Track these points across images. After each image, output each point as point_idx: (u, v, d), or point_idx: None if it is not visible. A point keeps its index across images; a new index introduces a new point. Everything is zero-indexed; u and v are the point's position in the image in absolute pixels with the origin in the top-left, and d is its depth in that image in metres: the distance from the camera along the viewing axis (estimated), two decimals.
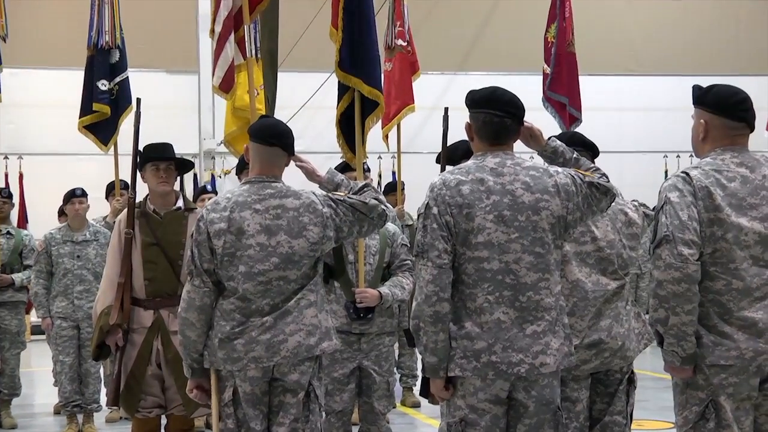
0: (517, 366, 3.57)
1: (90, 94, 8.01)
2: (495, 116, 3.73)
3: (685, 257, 3.52)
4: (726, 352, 3.59)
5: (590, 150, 4.49)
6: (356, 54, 5.73)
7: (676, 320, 3.56)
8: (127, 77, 8.12)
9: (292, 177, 4.42)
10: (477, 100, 3.78)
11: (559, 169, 3.77)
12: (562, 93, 9.18)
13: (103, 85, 7.88)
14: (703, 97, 3.77)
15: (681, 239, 3.53)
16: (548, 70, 9.32)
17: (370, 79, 5.71)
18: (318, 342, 4.17)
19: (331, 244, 4.27)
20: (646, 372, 9.46)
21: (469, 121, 3.81)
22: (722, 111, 3.73)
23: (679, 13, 18.06)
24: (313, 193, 4.29)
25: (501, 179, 3.66)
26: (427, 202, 3.68)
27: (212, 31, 6.19)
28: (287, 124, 4.54)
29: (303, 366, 4.17)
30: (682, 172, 3.70)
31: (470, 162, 3.76)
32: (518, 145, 3.89)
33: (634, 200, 4.63)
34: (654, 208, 3.74)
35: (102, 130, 8.04)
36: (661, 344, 3.67)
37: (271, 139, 4.31)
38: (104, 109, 7.87)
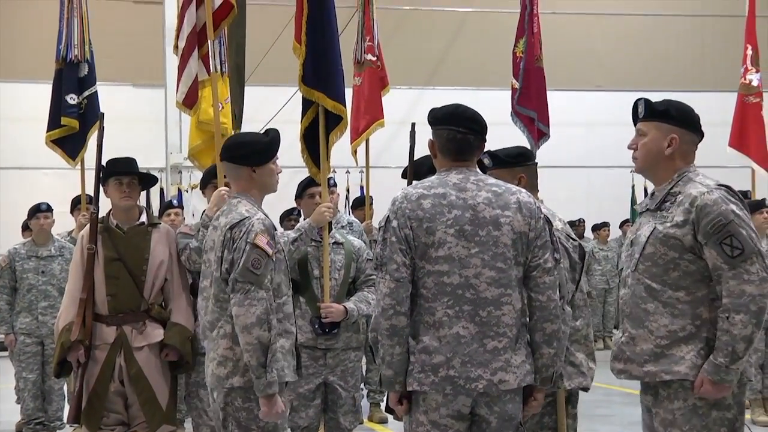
0: (475, 381, 3.55)
1: (58, 108, 7.94)
2: (458, 133, 3.73)
3: None
4: (750, 367, 3.58)
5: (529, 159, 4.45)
6: (319, 68, 5.71)
7: (758, 335, 3.48)
8: (96, 91, 8.06)
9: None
10: (440, 117, 3.77)
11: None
12: (531, 108, 9.17)
13: (71, 99, 7.80)
14: (667, 113, 3.71)
15: (766, 254, 3.51)
16: (517, 85, 9.32)
17: (334, 94, 5.70)
18: (228, 375, 4.18)
19: (233, 269, 4.16)
20: (614, 387, 9.48)
21: (432, 138, 3.80)
22: (692, 126, 3.72)
23: (645, 29, 18.21)
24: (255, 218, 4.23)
25: (463, 194, 3.65)
26: (388, 216, 3.67)
27: (176, 46, 6.17)
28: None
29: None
30: (723, 185, 3.63)
31: (433, 177, 3.76)
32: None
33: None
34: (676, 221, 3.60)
35: (70, 145, 7.97)
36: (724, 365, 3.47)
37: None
38: (72, 123, 7.80)
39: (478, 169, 3.80)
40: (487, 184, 3.70)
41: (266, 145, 4.33)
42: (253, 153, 4.30)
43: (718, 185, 3.62)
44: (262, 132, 4.56)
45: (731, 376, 3.47)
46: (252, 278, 4.07)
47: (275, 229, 4.29)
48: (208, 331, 4.29)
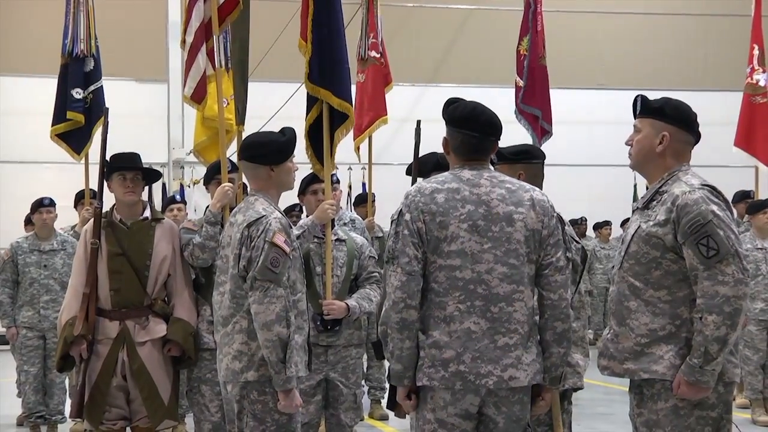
0: (486, 378, 3.54)
1: (63, 103, 7.94)
2: (473, 137, 3.71)
3: (747, 273, 3.47)
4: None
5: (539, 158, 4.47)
6: (325, 66, 5.69)
7: (734, 337, 3.45)
8: (102, 86, 8.07)
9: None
10: (456, 119, 3.73)
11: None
12: (535, 105, 9.17)
13: (77, 93, 7.80)
14: (661, 110, 3.69)
15: (743, 255, 3.48)
16: (521, 83, 9.31)
17: (340, 92, 5.68)
18: (243, 369, 4.24)
19: (251, 266, 4.21)
20: (614, 386, 9.48)
21: (446, 136, 3.78)
22: (686, 125, 3.69)
23: (649, 28, 18.20)
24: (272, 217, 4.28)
25: (477, 190, 3.64)
26: (401, 209, 3.67)
27: (183, 41, 6.15)
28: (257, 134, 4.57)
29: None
30: (707, 185, 3.58)
31: (447, 173, 3.74)
32: None
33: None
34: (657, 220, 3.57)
35: (75, 139, 7.97)
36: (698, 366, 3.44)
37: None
38: (78, 117, 7.80)
39: (491, 167, 3.79)
40: (500, 181, 3.69)
41: (284, 144, 4.40)
42: (271, 152, 4.37)
43: (702, 185, 3.58)
44: (261, 129, 4.61)
45: (706, 377, 3.43)
46: (271, 276, 4.14)
47: (291, 227, 4.35)
48: (220, 326, 4.34)
